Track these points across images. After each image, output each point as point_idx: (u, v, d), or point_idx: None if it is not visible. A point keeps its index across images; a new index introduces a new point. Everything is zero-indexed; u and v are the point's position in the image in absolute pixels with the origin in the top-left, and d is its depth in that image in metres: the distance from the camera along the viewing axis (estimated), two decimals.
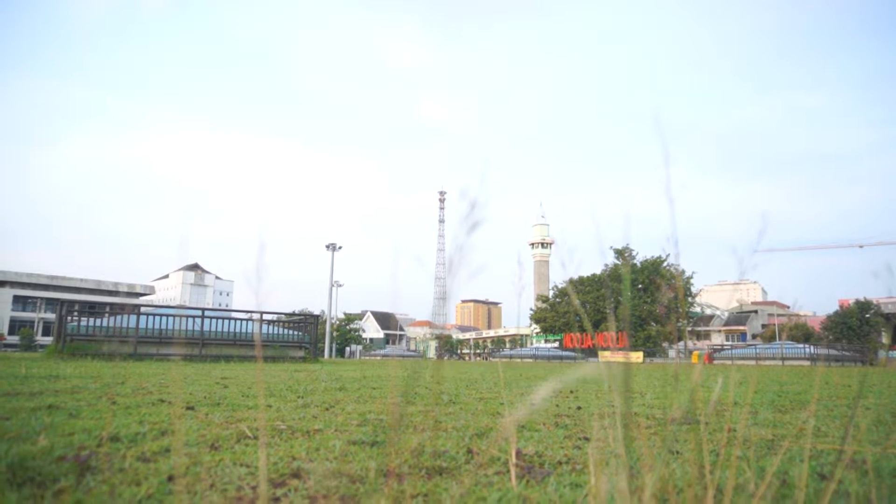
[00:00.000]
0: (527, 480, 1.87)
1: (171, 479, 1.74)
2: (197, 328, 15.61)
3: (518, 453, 2.28)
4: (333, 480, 1.80)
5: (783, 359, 34.60)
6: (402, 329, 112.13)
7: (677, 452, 2.31)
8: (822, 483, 1.84)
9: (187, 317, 16.29)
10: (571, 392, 5.74)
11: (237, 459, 2.04)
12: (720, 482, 1.47)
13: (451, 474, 1.94)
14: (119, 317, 15.44)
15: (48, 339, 48.97)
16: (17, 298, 78.00)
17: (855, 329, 59.44)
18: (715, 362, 35.59)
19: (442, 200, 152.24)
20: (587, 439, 2.70)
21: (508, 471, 1.94)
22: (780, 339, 54.82)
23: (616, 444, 1.11)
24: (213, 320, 16.13)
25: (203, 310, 16.34)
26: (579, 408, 4.19)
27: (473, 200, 0.65)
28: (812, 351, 35.22)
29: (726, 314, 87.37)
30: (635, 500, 1.09)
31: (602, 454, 1.71)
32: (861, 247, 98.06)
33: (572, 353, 51.36)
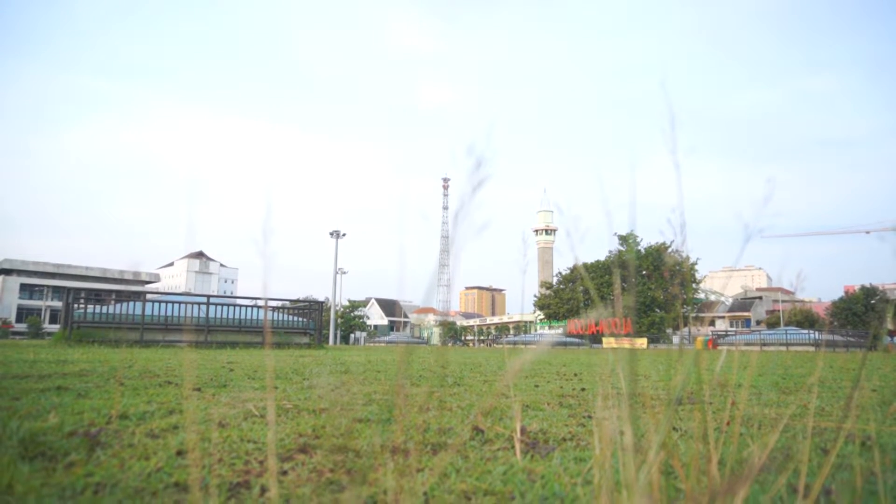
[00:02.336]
0: (532, 455, 1.88)
1: (180, 453, 1.76)
2: (202, 315, 15.70)
3: (523, 430, 2.29)
4: (340, 455, 1.82)
5: (787, 344, 34.61)
6: (406, 316, 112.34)
7: (681, 430, 2.33)
8: (825, 457, 1.86)
9: (193, 304, 16.37)
10: (575, 375, 5.77)
11: (244, 436, 2.06)
12: (723, 456, 1.48)
13: (457, 450, 1.95)
14: (125, 304, 15.54)
15: (55, 327, 49.32)
16: (24, 286, 78.44)
17: (860, 315, 59.25)
18: (719, 348, 35.63)
19: (445, 187, 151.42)
20: (591, 417, 2.72)
21: (513, 446, 1.96)
22: (783, 324, 54.76)
23: (621, 421, 1.12)
24: (219, 307, 16.22)
25: (208, 297, 16.40)
26: (583, 389, 4.22)
27: (480, 157, 0.65)
28: (816, 336, 35.18)
29: (730, 300, 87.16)
30: (640, 472, 1.10)
31: (606, 428, 1.72)
32: (868, 232, 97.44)
33: (578, 340, 51.42)
